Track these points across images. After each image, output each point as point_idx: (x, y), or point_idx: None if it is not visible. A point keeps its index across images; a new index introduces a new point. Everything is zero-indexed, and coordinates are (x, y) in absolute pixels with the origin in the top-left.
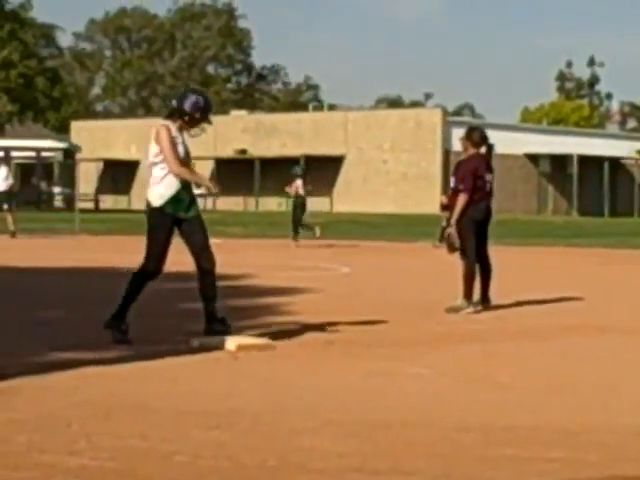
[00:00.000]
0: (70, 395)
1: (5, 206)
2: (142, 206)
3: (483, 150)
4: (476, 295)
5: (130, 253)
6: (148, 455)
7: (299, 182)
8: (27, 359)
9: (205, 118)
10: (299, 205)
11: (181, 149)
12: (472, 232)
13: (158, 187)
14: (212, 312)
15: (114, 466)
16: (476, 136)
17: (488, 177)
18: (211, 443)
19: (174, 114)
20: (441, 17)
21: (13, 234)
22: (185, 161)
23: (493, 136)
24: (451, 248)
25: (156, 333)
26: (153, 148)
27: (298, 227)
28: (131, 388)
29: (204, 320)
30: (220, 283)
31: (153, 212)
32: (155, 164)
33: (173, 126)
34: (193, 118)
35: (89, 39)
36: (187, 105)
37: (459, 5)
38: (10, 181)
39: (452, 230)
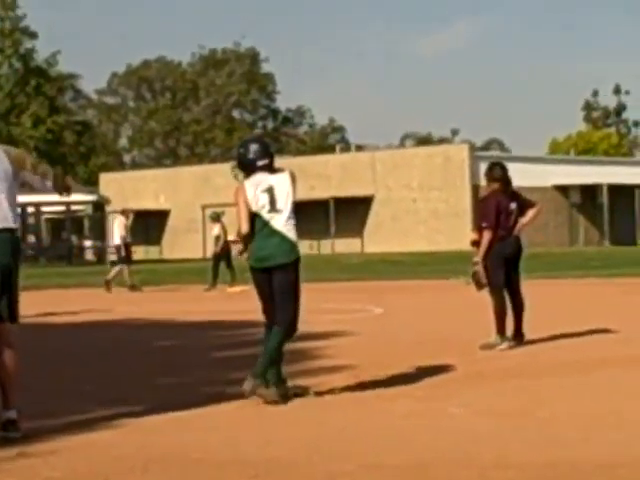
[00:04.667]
0: (107, 450)
1: None
2: (174, 255)
3: (504, 184)
4: (510, 331)
5: (163, 303)
6: None
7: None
8: (66, 417)
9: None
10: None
11: None
12: (500, 268)
13: (295, 234)
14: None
15: None
16: (496, 172)
17: (512, 206)
18: None
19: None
20: (464, 53)
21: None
22: None
23: (521, 169)
24: (478, 285)
25: (190, 383)
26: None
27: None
28: (168, 440)
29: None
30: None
31: (298, 263)
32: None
33: None
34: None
35: (112, 92)
36: None
37: (482, 41)
38: None
39: (478, 267)
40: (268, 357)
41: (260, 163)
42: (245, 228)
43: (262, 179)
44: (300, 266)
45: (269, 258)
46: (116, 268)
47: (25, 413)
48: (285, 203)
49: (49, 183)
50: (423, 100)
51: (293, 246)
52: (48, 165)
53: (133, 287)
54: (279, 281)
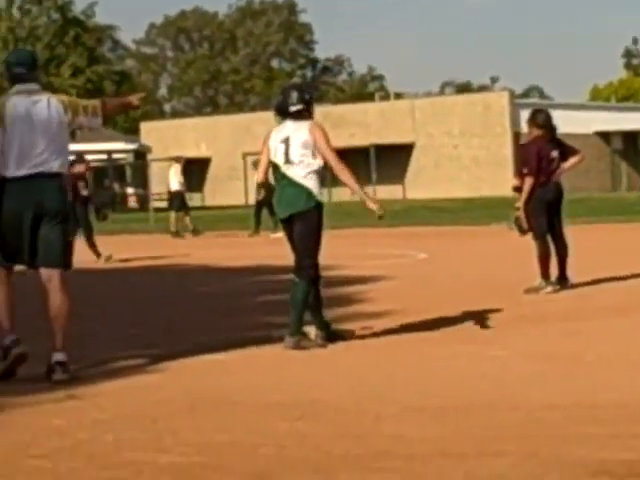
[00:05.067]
0: (153, 393)
1: None
2: (216, 202)
3: (547, 131)
4: (554, 275)
5: (208, 249)
6: (234, 448)
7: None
8: (113, 360)
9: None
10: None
11: None
12: (542, 213)
13: (315, 182)
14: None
15: (201, 461)
16: (539, 118)
17: (554, 154)
18: (296, 434)
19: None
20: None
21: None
22: None
23: (562, 116)
24: (521, 231)
25: (234, 327)
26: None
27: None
28: (213, 383)
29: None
30: None
31: (321, 208)
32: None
33: None
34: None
35: (150, 43)
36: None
37: None
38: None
39: (520, 213)
40: (296, 311)
41: (292, 109)
42: (259, 177)
43: (284, 128)
44: (322, 213)
45: (286, 208)
46: (173, 215)
47: (73, 356)
48: (299, 154)
49: (99, 119)
50: (462, 48)
51: (309, 194)
52: (91, 100)
53: (195, 231)
54: (297, 229)
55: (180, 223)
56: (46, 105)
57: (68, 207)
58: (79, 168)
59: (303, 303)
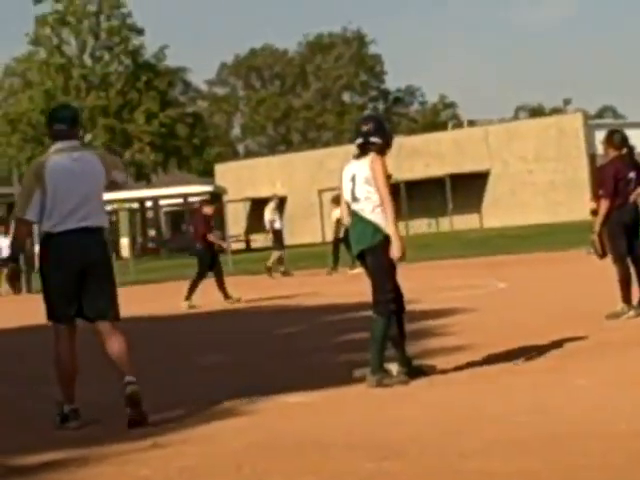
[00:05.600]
0: (238, 438)
1: None
2: (294, 241)
3: (624, 152)
4: (636, 299)
5: (286, 289)
6: None
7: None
8: (197, 406)
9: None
10: None
11: None
12: (620, 236)
13: (382, 217)
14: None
15: None
16: (616, 139)
17: (631, 175)
18: (382, 474)
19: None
20: (573, 21)
21: None
22: None
23: (638, 135)
24: (598, 254)
25: (316, 367)
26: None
27: None
28: (297, 425)
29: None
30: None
31: (387, 244)
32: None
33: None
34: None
35: (222, 83)
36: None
37: (592, 8)
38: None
39: (594, 237)
40: (376, 348)
41: (356, 142)
42: (345, 220)
43: (350, 166)
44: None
45: (357, 244)
46: (276, 253)
47: (156, 404)
48: (364, 191)
49: (125, 175)
50: (533, 71)
51: (376, 229)
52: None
53: (286, 272)
54: (369, 265)
55: (274, 263)
56: (86, 162)
57: (110, 259)
58: (207, 210)
59: (382, 339)
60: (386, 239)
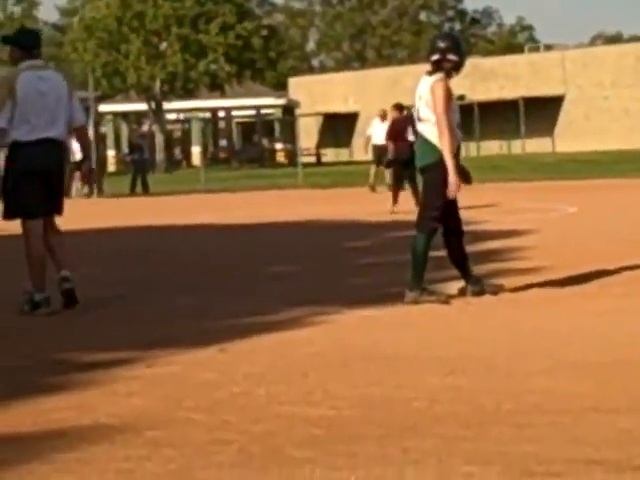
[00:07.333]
0: (304, 347)
1: None
2: (363, 158)
3: None
4: None
5: (355, 204)
6: (385, 402)
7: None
8: (260, 316)
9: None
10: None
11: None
12: None
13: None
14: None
15: (352, 414)
16: None
17: None
18: (447, 388)
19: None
20: None
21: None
22: None
23: None
24: None
25: (376, 284)
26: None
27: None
28: (364, 338)
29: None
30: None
31: (442, 165)
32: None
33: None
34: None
35: None
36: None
37: None
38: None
39: None
40: (415, 265)
41: (432, 58)
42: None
43: (421, 84)
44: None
45: (417, 161)
46: (373, 168)
47: (220, 312)
48: (427, 112)
49: (81, 112)
50: None
51: (433, 149)
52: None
53: (372, 188)
54: (423, 182)
55: (377, 178)
56: (52, 79)
57: (64, 166)
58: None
59: (423, 257)
60: (441, 160)
